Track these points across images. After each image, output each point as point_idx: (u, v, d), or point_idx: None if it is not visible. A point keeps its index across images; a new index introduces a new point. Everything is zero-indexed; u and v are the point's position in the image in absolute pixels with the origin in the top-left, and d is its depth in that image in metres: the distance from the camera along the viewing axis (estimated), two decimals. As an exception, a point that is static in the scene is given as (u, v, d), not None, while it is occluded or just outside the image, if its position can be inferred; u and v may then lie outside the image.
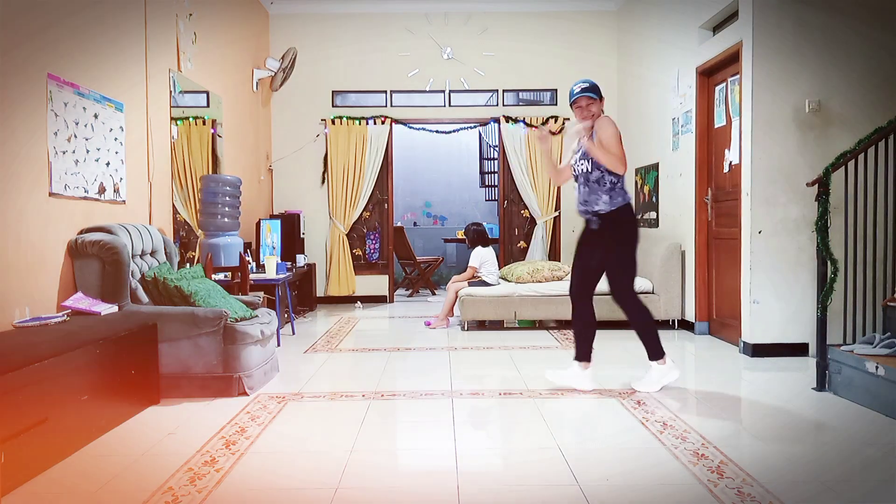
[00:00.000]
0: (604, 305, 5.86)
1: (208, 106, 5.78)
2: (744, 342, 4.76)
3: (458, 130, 8.12)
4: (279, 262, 5.82)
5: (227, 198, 5.35)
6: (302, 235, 7.39)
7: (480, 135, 10.27)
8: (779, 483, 2.43)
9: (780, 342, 4.65)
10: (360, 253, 7.96)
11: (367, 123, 7.69)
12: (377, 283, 7.97)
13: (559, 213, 7.81)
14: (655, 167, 6.49)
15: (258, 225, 6.58)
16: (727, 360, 4.64)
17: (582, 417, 3.34)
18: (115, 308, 3.59)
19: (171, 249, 4.42)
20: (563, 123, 7.72)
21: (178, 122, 5.15)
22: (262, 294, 5.44)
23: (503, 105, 7.86)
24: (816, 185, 3.90)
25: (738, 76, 4.88)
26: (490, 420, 3.40)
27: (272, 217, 7.14)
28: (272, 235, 6.45)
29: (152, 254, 4.21)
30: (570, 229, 7.82)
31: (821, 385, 3.76)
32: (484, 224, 6.68)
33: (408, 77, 7.79)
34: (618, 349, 5.09)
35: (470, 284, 6.12)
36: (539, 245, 7.73)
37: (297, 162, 7.80)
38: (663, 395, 3.67)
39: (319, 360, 4.73)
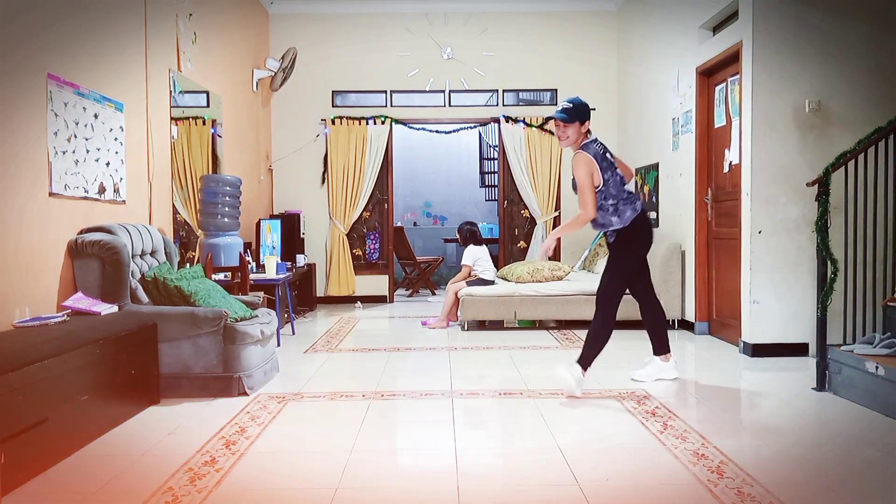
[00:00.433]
0: (593, 305, 5.86)
1: (208, 106, 5.78)
2: (744, 342, 4.76)
3: (458, 130, 8.12)
4: (279, 262, 5.82)
5: (227, 198, 5.35)
6: (302, 235, 7.39)
7: (480, 135, 10.27)
8: (779, 483, 2.43)
9: (780, 342, 4.65)
10: (360, 253, 7.96)
11: (367, 123, 7.69)
12: (377, 283, 7.97)
13: (559, 213, 7.81)
14: (655, 167, 6.49)
15: (258, 225, 6.58)
16: (727, 360, 4.64)
17: (582, 417, 3.34)
18: (115, 308, 3.59)
19: (171, 249, 4.42)
20: (563, 123, 7.70)
21: (179, 122, 5.15)
22: (262, 294, 5.44)
23: (503, 105, 7.86)
24: (816, 185, 3.90)
25: (738, 76, 4.88)
26: (490, 420, 3.40)
27: (272, 217, 7.14)
28: (272, 235, 6.45)
29: (152, 254, 4.21)
30: (570, 229, 7.81)
31: (821, 385, 3.76)
32: (478, 224, 6.69)
33: (408, 77, 7.79)
34: (617, 349, 5.08)
35: (468, 284, 6.12)
36: (539, 245, 7.72)
37: (297, 162, 7.80)
38: (663, 395, 3.67)
39: (319, 360, 4.73)
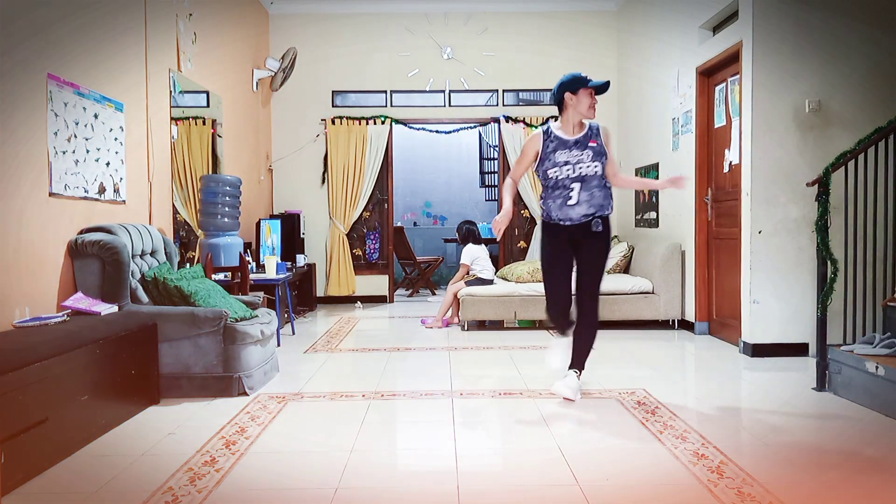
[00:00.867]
0: (603, 306, 5.87)
1: (208, 106, 5.79)
2: (744, 342, 4.76)
3: (458, 130, 8.12)
4: (279, 262, 5.82)
5: (227, 198, 5.35)
6: (302, 235, 7.39)
7: (480, 135, 10.27)
8: (779, 483, 2.43)
9: (780, 342, 4.65)
10: (360, 253, 7.96)
11: (367, 123, 7.69)
12: (377, 283, 7.97)
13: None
14: (655, 167, 6.49)
15: (258, 225, 6.58)
16: (727, 361, 4.64)
17: (582, 417, 3.34)
18: (115, 308, 3.59)
19: (171, 249, 4.42)
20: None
21: (179, 122, 5.15)
22: (262, 294, 5.44)
23: (503, 105, 7.86)
24: (816, 185, 3.90)
25: (738, 76, 4.88)
26: (490, 420, 3.40)
27: (272, 217, 7.14)
28: (272, 235, 6.44)
29: (152, 254, 4.21)
30: (570, 229, 7.82)
31: (821, 385, 3.76)
32: (478, 224, 6.69)
33: (408, 77, 7.79)
34: (617, 349, 5.09)
35: (468, 284, 6.12)
36: (539, 245, 7.71)
37: (297, 162, 7.80)
38: (664, 394, 3.67)
39: (319, 360, 4.73)
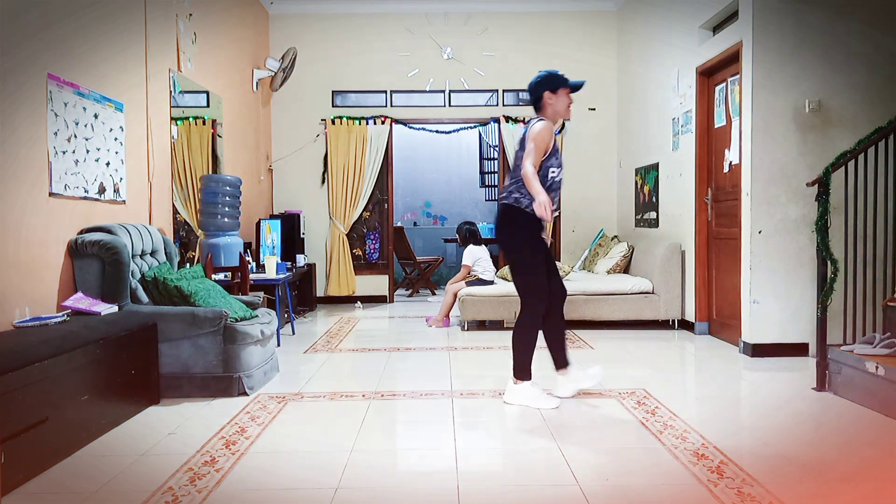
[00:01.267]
0: (597, 305, 5.87)
1: (208, 106, 5.78)
2: (744, 342, 4.76)
3: (458, 130, 8.12)
4: (279, 262, 5.82)
5: (227, 198, 5.35)
6: (302, 235, 7.39)
7: (480, 135, 10.27)
8: (779, 483, 2.43)
9: (780, 342, 4.65)
10: (360, 253, 7.96)
11: (367, 123, 7.69)
12: (377, 283, 7.97)
13: (559, 213, 7.81)
14: (655, 167, 6.49)
15: (258, 225, 6.58)
16: (727, 360, 4.64)
17: (582, 417, 3.34)
18: (115, 308, 3.59)
19: (171, 249, 4.42)
20: (564, 123, 7.71)
21: (178, 122, 5.15)
22: (262, 294, 5.44)
23: (503, 105, 7.86)
24: (816, 185, 3.90)
25: (738, 76, 4.88)
26: (490, 420, 3.40)
27: (272, 217, 7.14)
28: (272, 235, 6.44)
29: (152, 254, 4.21)
30: (570, 229, 7.83)
31: (821, 385, 3.76)
32: (478, 224, 6.69)
33: (408, 77, 7.79)
34: (617, 349, 5.09)
35: (468, 284, 6.13)
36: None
37: (297, 162, 7.80)
38: (664, 395, 3.66)
39: (319, 360, 4.73)
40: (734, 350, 4.93)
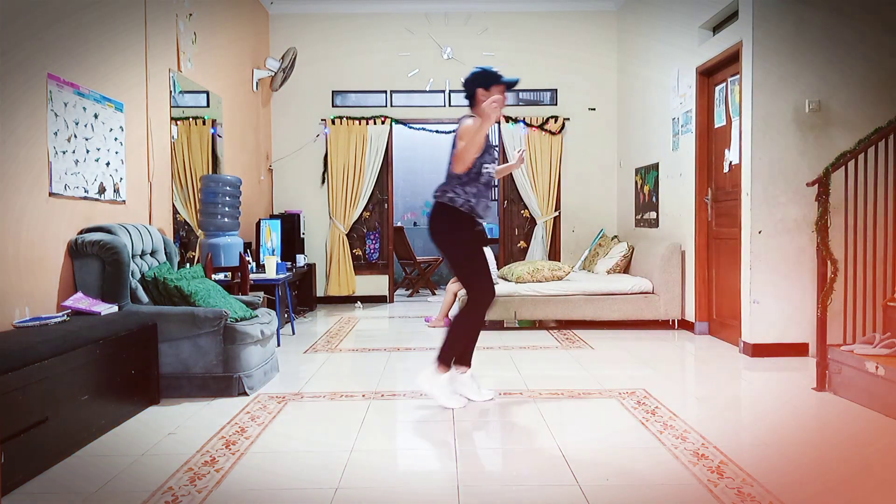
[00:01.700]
0: (597, 305, 5.87)
1: (208, 106, 5.78)
2: (744, 342, 4.76)
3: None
4: (279, 262, 5.82)
5: (227, 198, 5.35)
6: (302, 235, 7.39)
7: (480, 135, 10.25)
8: (779, 483, 2.43)
9: (780, 342, 4.65)
10: (360, 253, 7.96)
11: (367, 123, 7.69)
12: (377, 283, 7.97)
13: (559, 213, 7.81)
14: (655, 167, 6.49)
15: (258, 225, 6.58)
16: (727, 360, 4.64)
17: (582, 417, 3.34)
18: (115, 308, 3.59)
19: (171, 249, 4.42)
20: (564, 123, 7.72)
21: (179, 122, 5.15)
22: (262, 294, 5.44)
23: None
24: (816, 185, 3.90)
25: (738, 76, 4.88)
26: (490, 420, 3.40)
27: (272, 217, 7.14)
28: (272, 235, 6.45)
29: (152, 254, 4.21)
30: (570, 229, 7.83)
31: (821, 385, 3.76)
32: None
33: (408, 77, 7.79)
34: (617, 349, 5.09)
35: (470, 284, 6.13)
36: (539, 245, 7.73)
37: (297, 162, 7.80)
38: (664, 395, 3.66)
39: (319, 360, 4.72)
40: (734, 350, 4.93)
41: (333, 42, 7.77)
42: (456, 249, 3.53)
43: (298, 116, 7.78)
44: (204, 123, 5.71)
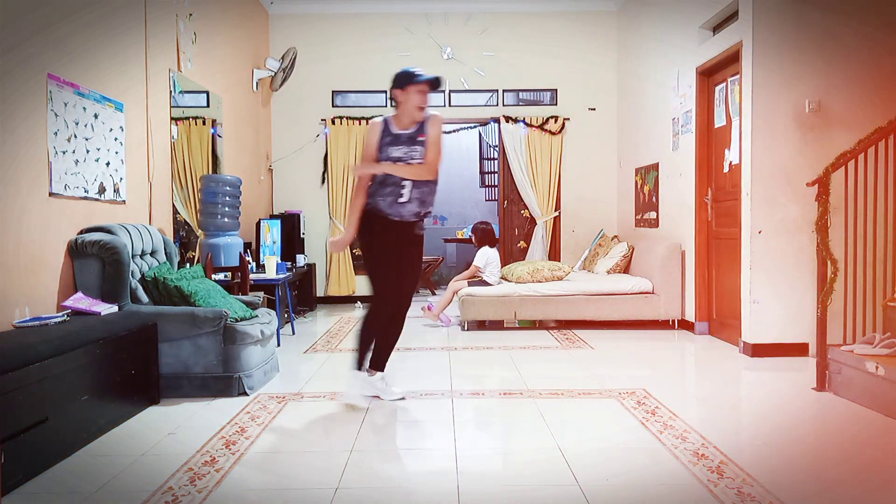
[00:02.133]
0: (597, 305, 5.87)
1: (208, 106, 5.78)
2: (744, 342, 4.76)
3: (458, 130, 8.12)
4: (279, 262, 5.82)
5: (227, 198, 5.35)
6: (302, 235, 7.39)
7: (480, 135, 10.27)
8: (779, 483, 2.43)
9: (780, 342, 4.65)
10: (360, 253, 7.95)
11: (367, 123, 7.67)
12: (377, 283, 7.95)
13: (559, 213, 7.81)
14: (655, 167, 6.49)
15: (258, 225, 6.58)
16: (727, 360, 4.64)
17: (582, 417, 3.34)
18: (115, 308, 3.59)
19: (171, 249, 4.42)
20: (564, 123, 7.72)
21: (179, 122, 5.15)
22: (262, 294, 5.44)
23: (503, 105, 7.86)
24: (816, 185, 3.90)
25: (738, 76, 4.88)
26: (490, 420, 3.40)
27: (272, 217, 7.14)
28: (272, 235, 6.45)
29: (152, 254, 4.21)
30: (570, 229, 7.83)
31: (821, 385, 3.76)
32: (491, 224, 6.67)
33: (408, 77, 7.78)
34: (617, 349, 5.09)
35: (470, 283, 6.14)
36: (539, 245, 7.73)
37: (297, 162, 7.80)
38: (664, 395, 3.66)
39: (319, 360, 4.72)
40: (734, 350, 4.93)
41: (333, 42, 7.77)
42: (368, 251, 3.57)
43: (298, 116, 7.78)
44: (204, 123, 5.71)
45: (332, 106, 7.81)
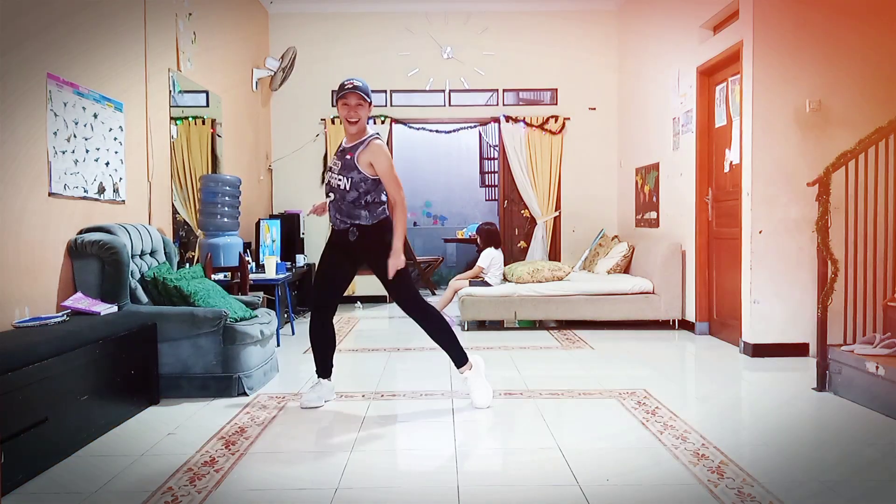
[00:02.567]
0: (598, 305, 5.87)
1: (208, 106, 5.78)
2: (744, 342, 4.76)
3: (458, 130, 8.12)
4: (279, 262, 5.82)
5: (227, 198, 5.35)
6: (302, 235, 7.39)
7: (480, 135, 10.27)
8: (779, 483, 2.43)
9: (781, 342, 4.64)
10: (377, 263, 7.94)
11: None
12: (377, 284, 7.91)
13: (559, 212, 7.81)
14: (656, 167, 6.48)
15: (258, 225, 6.58)
16: (727, 360, 4.64)
17: (582, 417, 3.34)
18: (114, 308, 3.58)
19: (171, 249, 4.41)
20: (564, 123, 7.71)
21: (178, 122, 5.15)
22: (261, 294, 5.44)
23: (503, 105, 7.86)
24: (817, 185, 3.90)
25: (738, 76, 4.88)
26: (490, 420, 3.40)
27: (272, 217, 7.14)
28: (272, 235, 6.44)
29: (152, 254, 4.21)
30: (571, 229, 7.83)
31: (821, 385, 3.76)
32: (496, 225, 6.67)
33: (408, 77, 7.79)
34: (617, 349, 5.09)
35: (471, 283, 6.14)
36: (539, 245, 7.73)
37: (297, 162, 7.80)
38: (664, 395, 3.66)
39: (319, 360, 4.71)
40: (734, 350, 4.93)
41: (333, 42, 7.76)
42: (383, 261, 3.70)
43: (298, 116, 7.78)
44: (203, 123, 5.71)
45: (332, 106, 7.81)
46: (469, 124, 8.00)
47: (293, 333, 5.79)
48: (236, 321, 3.80)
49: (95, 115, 3.94)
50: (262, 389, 3.86)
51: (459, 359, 3.63)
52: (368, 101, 3.44)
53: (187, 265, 5.06)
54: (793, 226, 4.63)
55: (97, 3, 3.99)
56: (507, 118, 7.71)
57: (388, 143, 7.78)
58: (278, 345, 4.98)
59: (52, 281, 3.54)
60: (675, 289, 5.84)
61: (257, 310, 4.24)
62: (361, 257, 3.69)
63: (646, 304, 5.87)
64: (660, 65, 6.35)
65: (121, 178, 4.24)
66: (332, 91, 7.77)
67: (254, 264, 5.91)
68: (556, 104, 7.83)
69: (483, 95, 8.00)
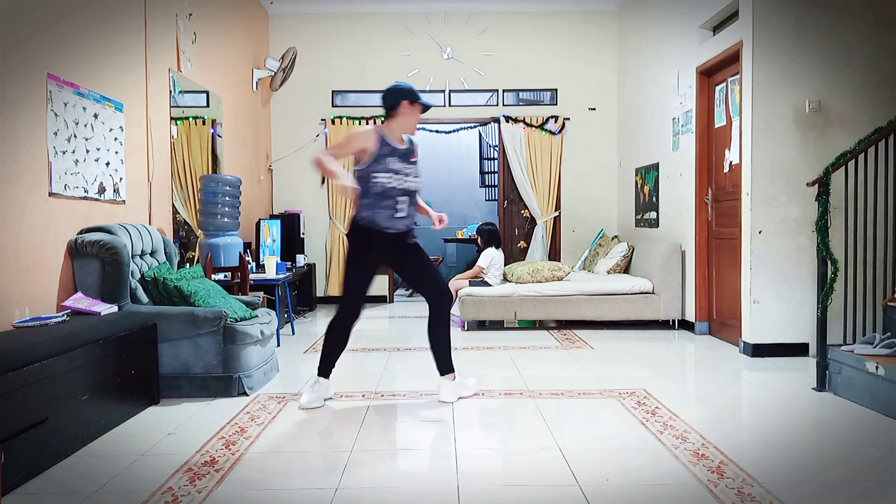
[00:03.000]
0: (597, 305, 5.87)
1: (208, 106, 5.78)
2: (744, 342, 4.76)
3: (458, 130, 8.12)
4: (279, 262, 5.82)
5: (227, 198, 5.35)
6: (302, 235, 7.39)
7: (480, 135, 10.27)
8: (779, 483, 2.43)
9: (781, 342, 4.65)
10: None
11: (367, 123, 7.68)
12: (377, 283, 7.89)
13: (559, 213, 7.81)
14: (656, 167, 6.49)
15: (258, 225, 6.58)
16: (727, 360, 4.64)
17: (582, 417, 3.34)
18: (115, 308, 3.59)
19: (171, 249, 4.42)
20: (564, 123, 7.72)
21: (178, 122, 5.15)
22: (262, 294, 5.44)
23: (503, 105, 7.86)
24: (816, 185, 3.90)
25: (738, 76, 4.88)
26: (490, 420, 3.40)
27: (272, 217, 7.14)
28: (272, 235, 6.44)
29: (152, 254, 4.21)
30: (570, 229, 7.83)
31: (821, 385, 3.76)
32: (496, 225, 6.66)
33: (408, 77, 7.78)
34: (617, 349, 5.09)
35: (471, 283, 6.14)
36: (539, 245, 7.73)
37: (297, 162, 7.80)
38: (664, 395, 3.67)
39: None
40: (734, 350, 4.93)
41: (333, 42, 7.77)
42: (349, 261, 3.57)
43: (298, 116, 7.78)
44: (204, 123, 5.71)
45: (332, 106, 7.81)
46: (469, 124, 8.00)
47: (293, 333, 5.79)
48: (236, 321, 3.80)
49: (96, 116, 3.95)
50: (263, 389, 3.86)
51: (448, 364, 3.66)
52: None
53: (187, 265, 5.06)
54: (793, 226, 4.63)
55: (97, 3, 3.99)
56: (507, 118, 7.71)
57: (388, 143, 7.77)
58: (278, 345, 4.99)
59: (52, 281, 3.54)
60: (675, 289, 5.84)
61: (257, 310, 4.24)
62: (408, 255, 3.62)
63: (645, 303, 5.88)
64: (659, 65, 6.35)
65: (121, 178, 4.24)
66: (333, 91, 7.79)
67: (254, 264, 5.91)
68: (556, 104, 7.83)
69: (483, 95, 8.01)
